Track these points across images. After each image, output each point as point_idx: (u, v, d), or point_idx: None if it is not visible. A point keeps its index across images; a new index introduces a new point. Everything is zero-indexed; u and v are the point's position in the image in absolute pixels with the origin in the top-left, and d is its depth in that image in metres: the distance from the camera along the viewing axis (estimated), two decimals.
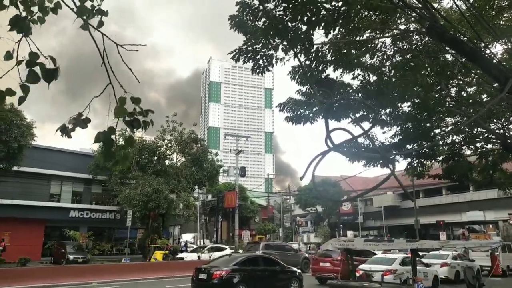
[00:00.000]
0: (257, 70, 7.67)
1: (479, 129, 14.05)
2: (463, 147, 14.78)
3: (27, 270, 19.32)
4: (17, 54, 3.11)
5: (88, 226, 34.69)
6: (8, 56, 3.02)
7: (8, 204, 29.26)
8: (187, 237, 57.67)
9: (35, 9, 3.56)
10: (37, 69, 2.93)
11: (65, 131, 2.87)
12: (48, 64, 2.94)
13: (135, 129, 2.97)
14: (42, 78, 2.92)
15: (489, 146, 15.18)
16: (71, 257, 25.40)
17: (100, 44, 3.28)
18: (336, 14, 5.89)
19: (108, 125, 2.91)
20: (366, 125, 11.60)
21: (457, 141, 14.35)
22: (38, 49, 3.08)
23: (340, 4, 5.85)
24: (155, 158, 33.38)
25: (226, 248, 30.47)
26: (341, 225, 65.13)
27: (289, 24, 6.31)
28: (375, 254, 20.20)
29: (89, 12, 3.45)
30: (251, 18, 7.09)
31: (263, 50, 7.24)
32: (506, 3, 10.16)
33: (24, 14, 3.43)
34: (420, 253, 21.15)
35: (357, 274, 16.51)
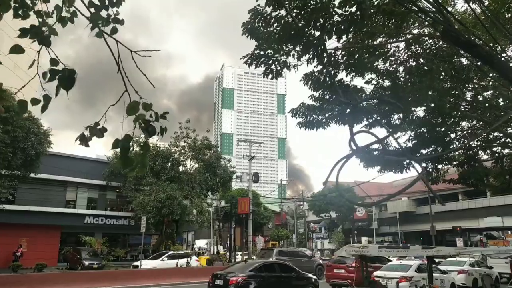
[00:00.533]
0: (269, 75, 7.68)
1: (495, 134, 13.83)
2: (479, 152, 14.56)
3: (43, 276, 19.55)
4: (37, 64, 3.19)
5: (103, 232, 35.00)
6: (31, 66, 3.10)
7: (26, 211, 29.77)
8: (200, 243, 57.83)
9: (52, 18, 3.64)
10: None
11: (84, 139, 2.93)
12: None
13: (150, 135, 2.99)
14: (61, 87, 2.98)
15: (506, 150, 14.91)
16: (86, 263, 25.62)
17: (115, 50, 3.33)
18: (349, 20, 5.88)
19: (122, 132, 2.95)
20: (377, 130, 11.52)
21: (473, 145, 14.13)
22: (57, 57, 3.15)
23: (353, 9, 5.84)
24: (169, 164, 33.58)
25: (189, 256, 28.30)
26: (355, 231, 64.46)
27: (302, 30, 6.31)
28: (390, 260, 19.93)
29: (103, 20, 3.52)
30: (263, 24, 7.14)
31: (275, 56, 7.26)
32: None
33: (45, 28, 3.52)
34: (437, 260, 20.81)
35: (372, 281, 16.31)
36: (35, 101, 2.98)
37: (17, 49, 2.99)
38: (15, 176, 24.38)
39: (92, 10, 3.54)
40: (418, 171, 5.70)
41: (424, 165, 13.98)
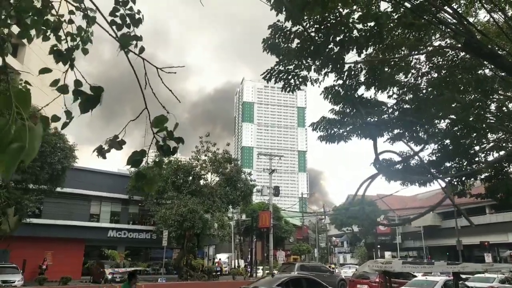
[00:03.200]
0: (288, 89, 7.74)
1: None
2: (506, 164, 14.12)
3: None
4: (64, 83, 3.32)
5: (125, 245, 35.37)
6: (54, 84, 3.22)
7: (51, 224, 30.40)
8: (221, 257, 57.64)
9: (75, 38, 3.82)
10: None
11: (101, 152, 3.01)
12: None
13: (165, 155, 3.06)
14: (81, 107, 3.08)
15: None
16: (109, 276, 25.89)
17: (139, 67, 3.44)
18: (368, 34, 5.89)
19: (144, 147, 3.02)
20: (401, 143, 11.39)
21: (503, 158, 13.73)
22: (83, 77, 3.28)
23: (372, 24, 5.85)
24: (190, 178, 33.79)
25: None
26: (379, 246, 63.13)
27: (322, 45, 6.35)
28: (415, 276, 19.41)
29: (129, 40, 3.65)
30: (283, 40, 7.21)
31: (295, 71, 7.31)
32: None
33: (67, 44, 3.69)
34: (464, 276, 20.12)
35: None
36: (55, 118, 3.10)
37: (45, 71, 3.12)
38: (41, 191, 24.98)
39: (114, 28, 3.69)
40: (445, 189, 5.60)
41: (448, 178, 13.68)
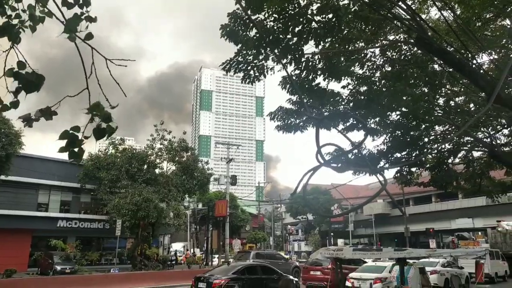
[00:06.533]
0: (248, 80, 7.72)
1: (466, 138, 14.22)
2: (450, 156, 14.93)
3: (12, 282, 18.96)
4: (5, 64, 3.10)
5: (76, 235, 34.23)
6: None
7: None
8: (177, 246, 57.26)
9: (25, 17, 3.56)
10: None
11: (28, 120, 2.89)
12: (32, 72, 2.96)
13: (99, 138, 3.02)
14: (23, 90, 2.95)
15: (478, 153, 15.37)
16: (58, 267, 24.97)
17: (87, 53, 3.28)
18: (326, 26, 5.96)
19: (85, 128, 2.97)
20: (355, 133, 11.72)
21: (444, 150, 14.49)
22: (25, 60, 3.08)
23: (330, 16, 5.92)
24: (145, 167, 33.14)
25: None
26: (332, 233, 65.17)
27: (280, 36, 6.35)
28: (366, 262, 20.21)
29: (77, 22, 3.44)
30: (243, 28, 7.14)
31: (254, 61, 7.29)
32: (492, 15, 10.36)
33: (15, 21, 3.44)
34: (412, 261, 21.11)
35: (348, 283, 16.53)
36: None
37: None
38: None
39: (65, 9, 3.47)
40: (381, 182, 5.86)
41: (398, 168, 14.29)
